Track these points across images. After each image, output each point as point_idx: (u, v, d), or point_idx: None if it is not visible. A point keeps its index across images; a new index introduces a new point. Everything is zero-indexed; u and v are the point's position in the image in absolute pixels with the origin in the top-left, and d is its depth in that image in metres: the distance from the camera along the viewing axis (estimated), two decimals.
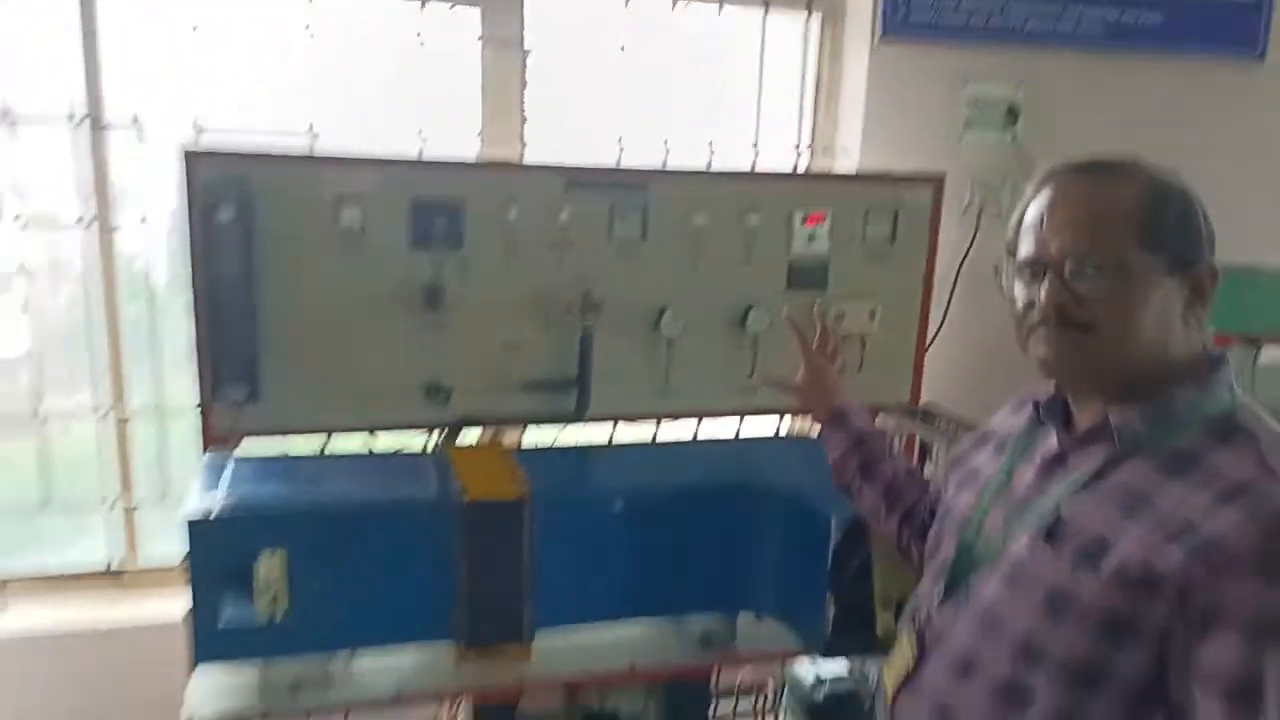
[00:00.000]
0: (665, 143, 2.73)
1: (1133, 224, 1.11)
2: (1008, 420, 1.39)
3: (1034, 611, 1.13)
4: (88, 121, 2.40)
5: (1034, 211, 1.19)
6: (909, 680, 1.29)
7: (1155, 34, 2.92)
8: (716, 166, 2.75)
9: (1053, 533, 1.14)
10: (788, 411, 1.76)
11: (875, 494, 1.58)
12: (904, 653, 1.32)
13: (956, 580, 1.26)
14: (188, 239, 1.86)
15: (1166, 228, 1.12)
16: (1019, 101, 2.86)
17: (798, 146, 2.90)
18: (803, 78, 2.89)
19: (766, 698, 2.67)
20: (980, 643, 1.20)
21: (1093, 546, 1.10)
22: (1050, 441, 1.25)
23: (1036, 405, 1.29)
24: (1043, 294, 1.14)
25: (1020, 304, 1.20)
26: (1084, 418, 1.21)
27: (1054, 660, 1.12)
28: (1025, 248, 1.19)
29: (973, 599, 1.23)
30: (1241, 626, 1.00)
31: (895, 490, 1.57)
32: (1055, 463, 1.22)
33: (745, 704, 2.71)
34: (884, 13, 2.72)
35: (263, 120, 2.45)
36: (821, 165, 2.88)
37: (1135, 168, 1.16)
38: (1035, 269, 1.17)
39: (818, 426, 1.68)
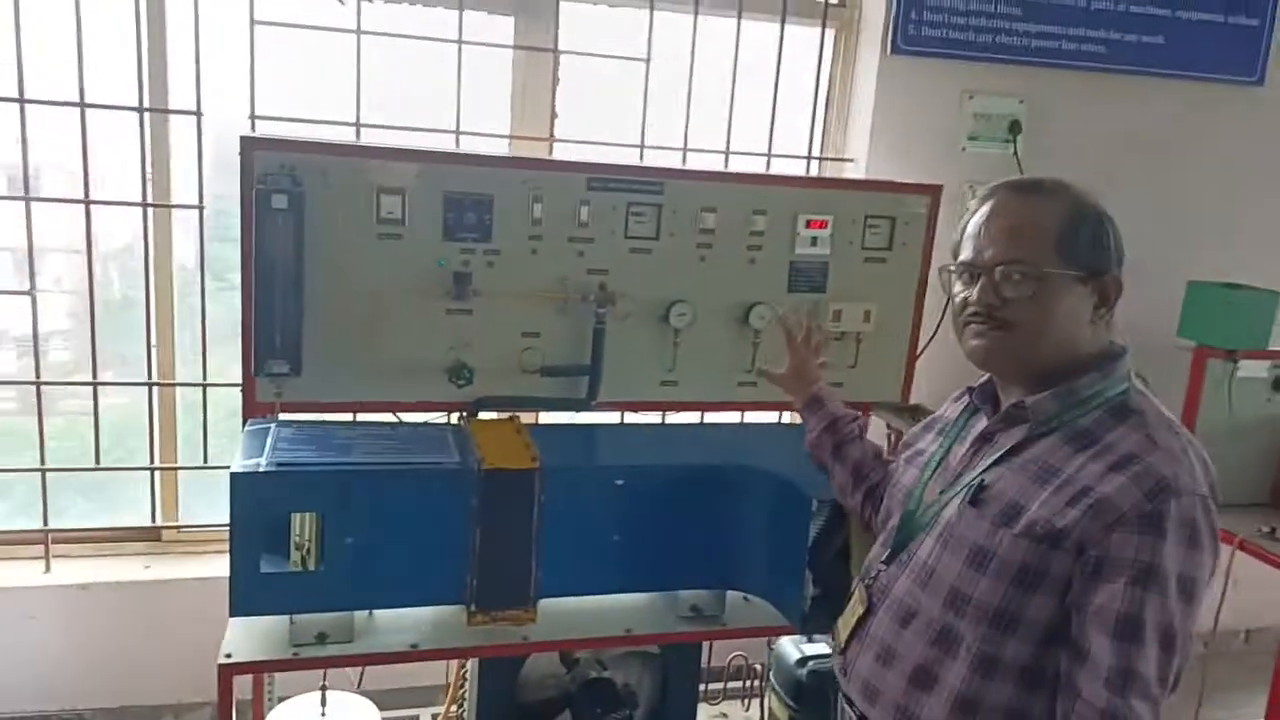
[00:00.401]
0: (684, 147, 2.88)
1: (1053, 239, 1.32)
2: (949, 408, 1.61)
3: (961, 566, 1.34)
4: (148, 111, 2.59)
5: (975, 222, 1.39)
6: (858, 630, 1.49)
7: (1156, 56, 3.05)
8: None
9: (976, 499, 1.35)
10: (779, 403, 1.93)
11: (845, 472, 1.78)
12: (855, 607, 1.52)
13: (900, 544, 1.48)
14: (242, 223, 2.04)
15: (1081, 244, 1.32)
16: (1021, 116, 3.00)
17: (809, 154, 3.05)
18: (816, 89, 3.03)
19: (755, 679, 2.82)
20: (918, 595, 1.40)
21: (1010, 510, 1.31)
22: (981, 423, 1.46)
23: (970, 391, 1.52)
24: (975, 294, 1.35)
25: (957, 301, 1.40)
26: (1008, 400, 1.42)
27: (977, 608, 1.31)
28: (965, 253, 1.40)
29: (912, 559, 1.44)
30: (1125, 574, 1.20)
31: (862, 470, 1.77)
32: (983, 440, 1.43)
33: (735, 685, 2.86)
34: (895, 27, 2.87)
35: (314, 113, 2.64)
36: (830, 173, 3.03)
37: (1062, 189, 1.36)
38: (971, 272, 1.37)
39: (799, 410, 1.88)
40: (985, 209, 1.38)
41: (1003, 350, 1.35)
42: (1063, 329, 1.33)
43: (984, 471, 1.37)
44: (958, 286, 1.41)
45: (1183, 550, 1.21)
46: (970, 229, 1.39)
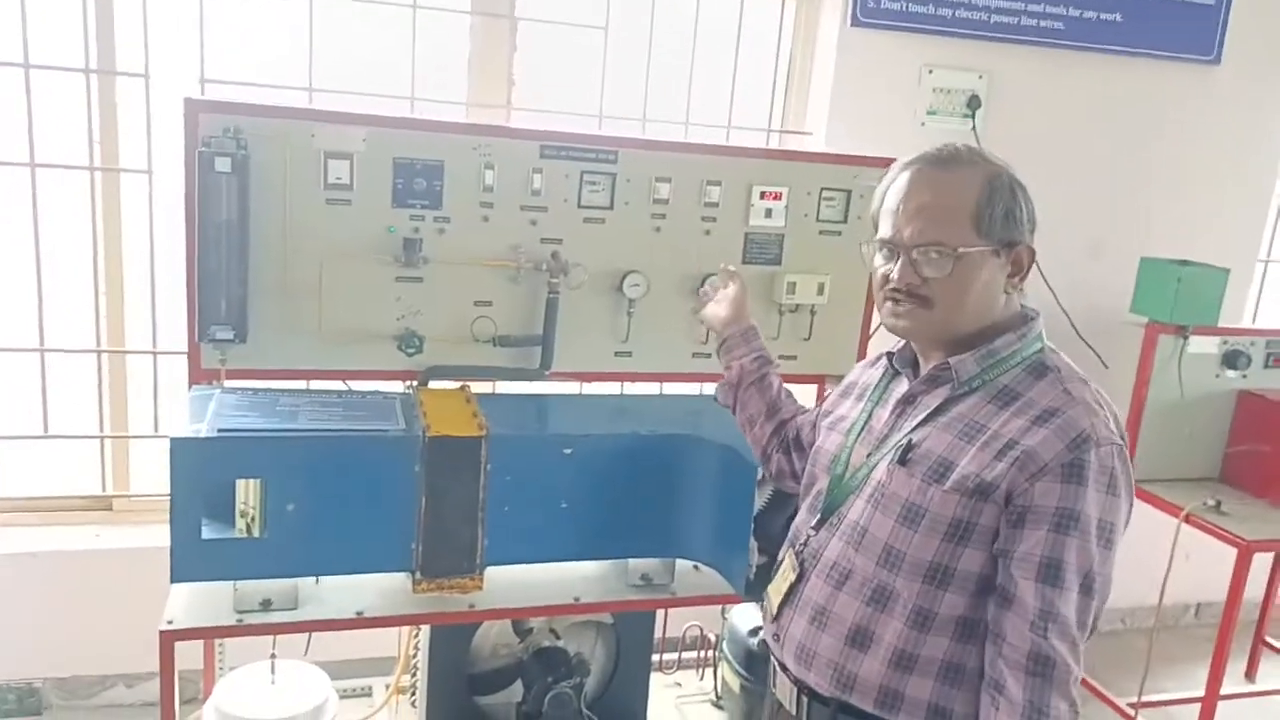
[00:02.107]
0: (643, 117, 2.87)
1: (969, 215, 1.35)
2: (865, 373, 1.63)
3: (893, 524, 1.38)
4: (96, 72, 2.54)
5: (892, 197, 1.42)
6: (790, 596, 1.51)
7: (1115, 33, 3.06)
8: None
9: (905, 459, 1.38)
10: (708, 327, 1.96)
11: (761, 402, 1.81)
12: (786, 574, 1.53)
13: (829, 508, 1.50)
14: (185, 186, 2.01)
15: (996, 217, 1.35)
16: (981, 91, 3.01)
17: (768, 127, 3.04)
18: (776, 61, 3.02)
19: (710, 649, 2.84)
20: (852, 555, 1.43)
21: (939, 467, 1.35)
22: (903, 386, 1.49)
23: (889, 356, 1.54)
24: (896, 272, 1.38)
25: (878, 275, 1.44)
26: (928, 364, 1.46)
27: (910, 563, 1.35)
28: (883, 228, 1.43)
29: (842, 521, 1.46)
30: (1048, 521, 1.26)
31: (776, 403, 1.81)
32: (906, 402, 1.46)
33: (690, 656, 2.88)
34: (855, 0, 2.86)
35: (265, 77, 2.61)
36: (790, 146, 3.03)
37: (977, 160, 1.39)
38: (891, 249, 1.40)
39: (725, 340, 1.89)
40: (902, 183, 1.40)
41: (923, 324, 1.40)
42: (979, 300, 1.37)
43: (911, 432, 1.41)
44: (878, 260, 1.44)
45: (1102, 496, 1.28)
46: (889, 203, 1.42)
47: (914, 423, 1.42)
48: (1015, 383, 1.36)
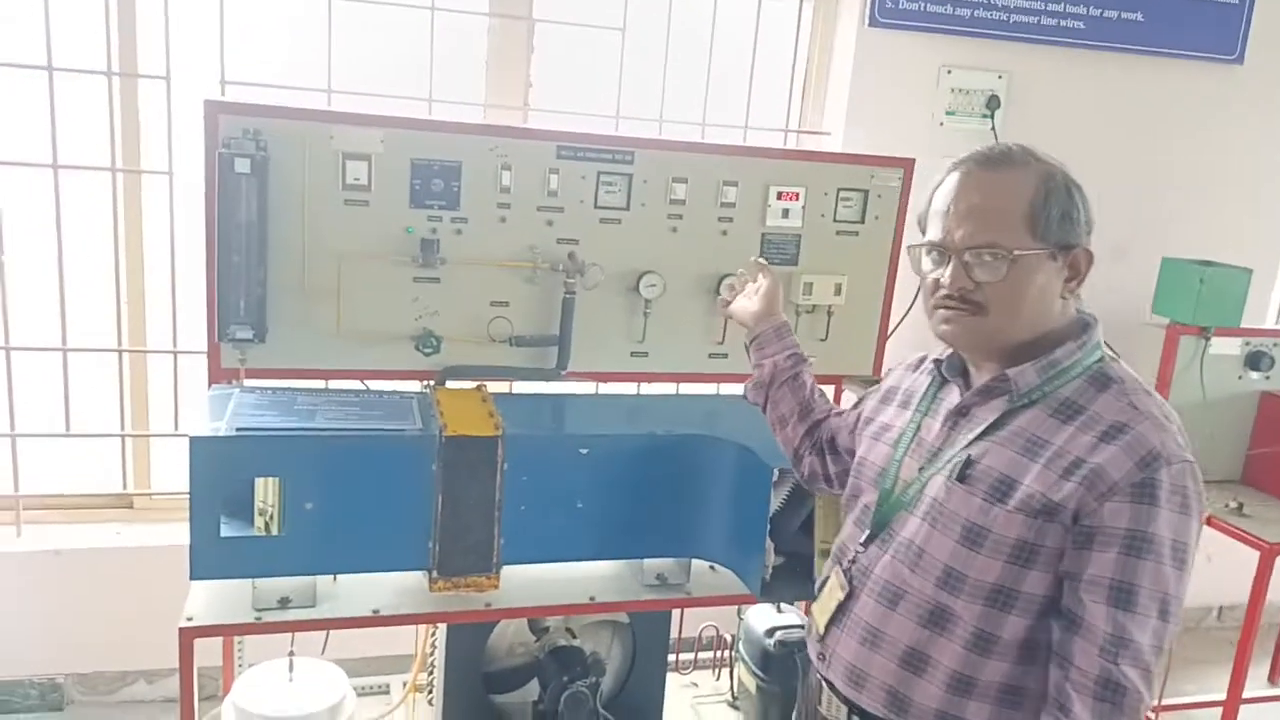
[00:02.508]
0: (660, 118, 2.87)
1: (1023, 217, 1.29)
2: (907, 378, 1.58)
3: (953, 545, 1.32)
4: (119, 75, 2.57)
5: (941, 199, 1.36)
6: (838, 615, 1.45)
7: (1136, 32, 3.04)
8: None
9: (964, 475, 1.32)
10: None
11: (794, 401, 1.78)
12: (834, 591, 1.47)
13: (879, 524, 1.44)
14: (205, 187, 2.03)
15: (1053, 219, 1.30)
16: (1000, 92, 2.99)
17: (785, 127, 3.04)
18: (794, 61, 3.02)
19: (726, 649, 2.83)
20: (906, 575, 1.37)
21: (1001, 485, 1.29)
22: (953, 396, 1.43)
23: (938, 364, 1.48)
24: (947, 276, 1.33)
25: (929, 281, 1.38)
26: (981, 374, 1.40)
27: (972, 585, 1.30)
28: (933, 231, 1.37)
29: (895, 538, 1.40)
30: (1120, 543, 1.21)
31: (809, 402, 1.78)
32: (959, 414, 1.40)
33: (706, 656, 2.88)
34: (873, 0, 2.85)
35: (285, 79, 2.63)
36: (807, 146, 3.02)
37: (1030, 160, 1.33)
38: (941, 253, 1.35)
39: (756, 336, 1.86)
40: (952, 184, 1.34)
41: (977, 332, 1.34)
42: (1036, 306, 1.32)
43: (968, 446, 1.35)
44: (927, 264, 1.38)
45: (1175, 517, 1.22)
46: (937, 204, 1.36)
47: (970, 436, 1.36)
48: (1077, 395, 1.30)
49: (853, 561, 1.46)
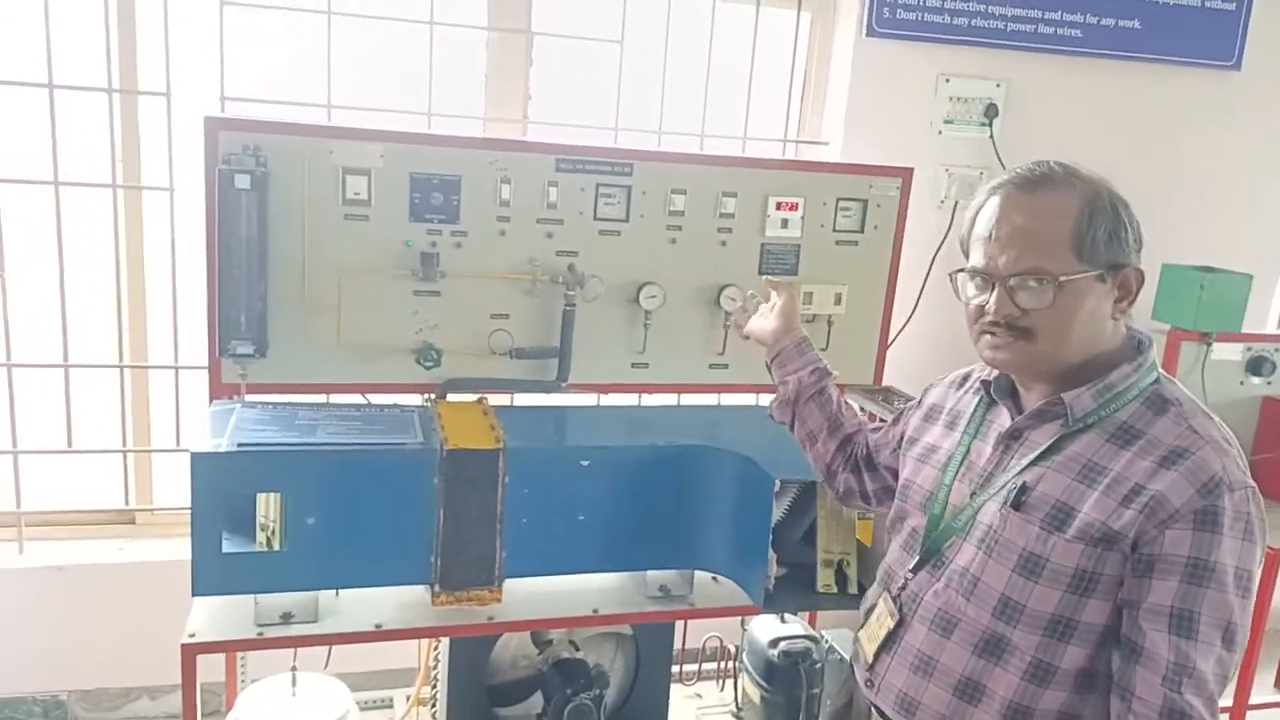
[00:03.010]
0: (659, 129, 2.88)
1: (1068, 240, 1.26)
2: (950, 396, 1.55)
3: (1010, 574, 1.29)
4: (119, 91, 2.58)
5: (983, 223, 1.33)
6: (888, 642, 1.43)
7: (1134, 40, 3.04)
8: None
9: (1019, 502, 1.30)
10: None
11: (822, 416, 1.75)
12: (883, 619, 1.45)
13: (930, 551, 1.42)
14: (206, 203, 2.04)
15: (1099, 240, 1.27)
16: (998, 100, 3.00)
17: (784, 138, 3.04)
18: (791, 72, 3.03)
19: (730, 660, 2.83)
20: (961, 604, 1.35)
21: (1058, 512, 1.27)
22: (1003, 418, 1.40)
23: (986, 385, 1.45)
24: (992, 303, 1.30)
25: (972, 307, 1.35)
26: (1032, 397, 1.37)
27: (1030, 615, 1.28)
28: (975, 257, 1.34)
29: (948, 565, 1.38)
30: (1181, 570, 1.19)
31: (838, 417, 1.75)
32: (1011, 438, 1.37)
33: (710, 667, 2.87)
34: (870, 10, 2.86)
35: (285, 94, 2.63)
36: (806, 156, 3.03)
37: (1072, 180, 1.30)
38: (985, 279, 1.32)
39: (778, 354, 1.82)
40: (993, 207, 1.32)
41: (1026, 358, 1.31)
42: (1086, 330, 1.29)
43: (1022, 472, 1.32)
44: (970, 290, 1.35)
45: (1238, 544, 1.20)
46: (979, 229, 1.34)
47: (1024, 462, 1.33)
48: (1134, 419, 1.27)
49: (902, 588, 1.45)
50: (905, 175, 2.51)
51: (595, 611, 2.14)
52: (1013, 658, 1.29)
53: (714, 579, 2.24)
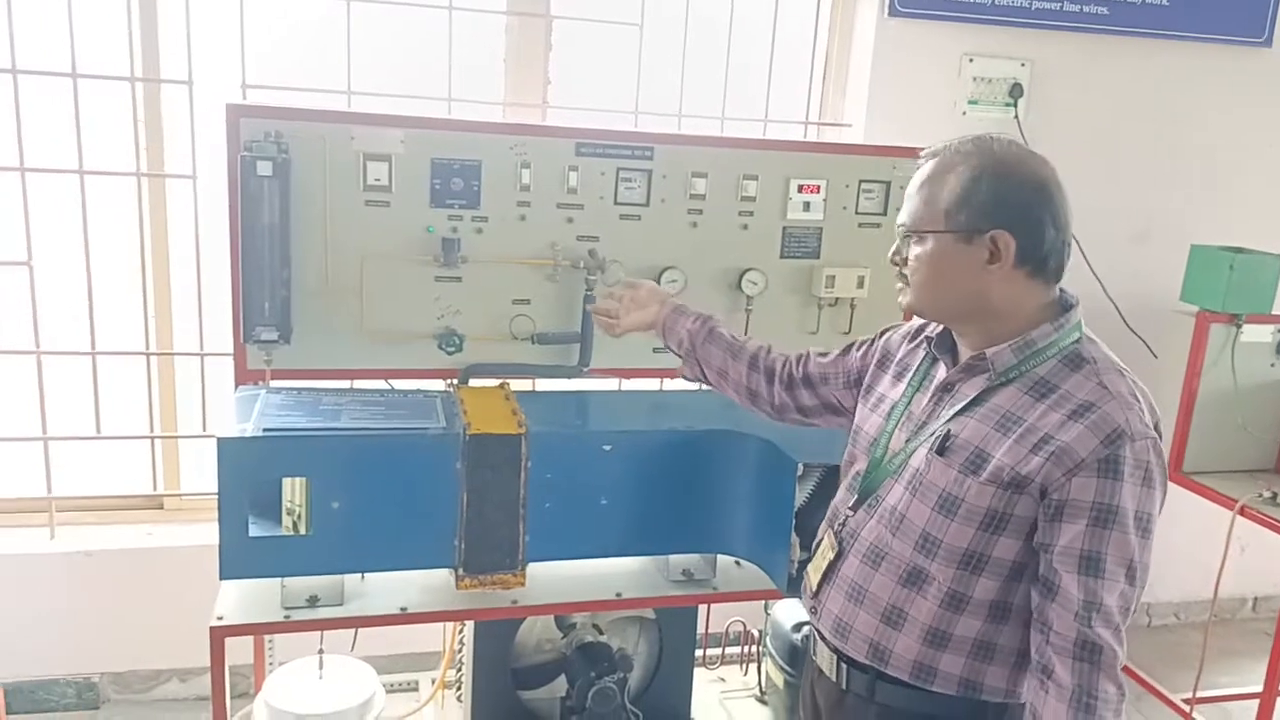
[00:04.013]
0: (679, 113, 2.86)
1: (940, 201, 1.38)
2: (903, 347, 1.63)
3: (930, 512, 1.41)
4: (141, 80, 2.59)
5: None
6: (829, 573, 1.55)
7: (1161, 17, 2.99)
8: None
9: (943, 448, 1.41)
10: (642, 329, 1.97)
11: (721, 351, 1.84)
12: (825, 552, 1.58)
13: (867, 490, 1.53)
14: (229, 190, 2.04)
15: (969, 204, 1.35)
16: (1023, 79, 2.96)
17: (805, 120, 3.02)
18: (813, 53, 3.00)
19: (753, 644, 2.83)
20: (889, 539, 1.47)
21: (975, 458, 1.38)
22: (941, 372, 1.50)
23: (929, 340, 1.54)
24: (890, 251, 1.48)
25: None
26: (965, 353, 1.47)
27: (947, 550, 1.40)
28: None
29: (881, 504, 1.50)
30: (1087, 515, 1.30)
31: (736, 344, 1.85)
32: (944, 390, 1.48)
33: (733, 651, 2.87)
34: None
35: (305, 81, 2.64)
36: (828, 139, 3.00)
37: (967, 152, 1.39)
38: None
39: (661, 328, 1.93)
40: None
41: (911, 303, 1.45)
42: (951, 283, 1.39)
43: (949, 421, 1.43)
44: None
45: (1138, 490, 1.30)
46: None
47: (952, 411, 1.43)
48: (1051, 374, 1.37)
49: (843, 524, 1.56)
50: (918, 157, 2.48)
51: (618, 595, 2.15)
52: (930, 587, 1.41)
53: (737, 563, 2.24)
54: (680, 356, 1.92)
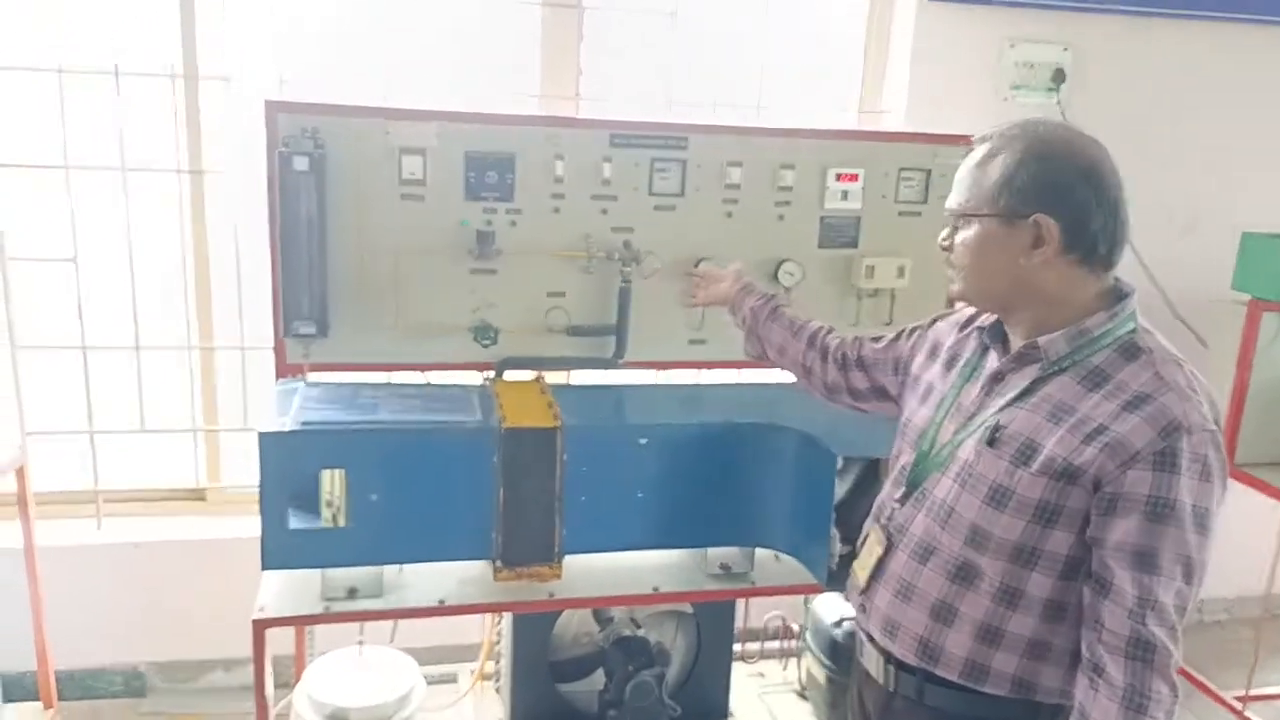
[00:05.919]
0: (714, 102, 2.84)
1: (984, 186, 1.37)
2: (952, 336, 1.59)
3: (980, 505, 1.37)
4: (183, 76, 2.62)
5: None
6: (877, 570, 1.52)
7: None
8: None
9: (993, 439, 1.37)
10: (717, 304, 2.02)
11: (782, 329, 1.89)
12: (873, 547, 1.54)
13: (915, 483, 1.50)
14: (267, 186, 2.06)
15: (1011, 188, 1.34)
16: (1066, 64, 2.90)
17: (844, 107, 2.98)
18: (851, 40, 2.95)
19: (793, 639, 2.81)
20: (938, 533, 1.43)
21: (1026, 449, 1.34)
22: (991, 362, 1.47)
23: (980, 330, 1.51)
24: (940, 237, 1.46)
25: None
26: (1017, 342, 1.43)
27: (998, 544, 1.36)
28: None
29: (929, 497, 1.46)
30: (1141, 509, 1.25)
31: (798, 323, 1.89)
32: (994, 380, 1.45)
33: (772, 646, 2.85)
34: None
35: (341, 76, 2.65)
36: (868, 126, 2.96)
37: (1008, 137, 1.37)
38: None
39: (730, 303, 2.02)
40: None
41: (959, 290, 1.44)
42: (997, 269, 1.36)
43: (998, 412, 1.39)
44: None
45: (1195, 484, 1.26)
46: None
47: (1002, 402, 1.40)
48: (1106, 364, 1.33)
49: (890, 519, 1.53)
50: (970, 143, 2.42)
51: (656, 589, 2.14)
52: (982, 582, 1.38)
53: (776, 557, 2.22)
54: (743, 332, 1.96)
